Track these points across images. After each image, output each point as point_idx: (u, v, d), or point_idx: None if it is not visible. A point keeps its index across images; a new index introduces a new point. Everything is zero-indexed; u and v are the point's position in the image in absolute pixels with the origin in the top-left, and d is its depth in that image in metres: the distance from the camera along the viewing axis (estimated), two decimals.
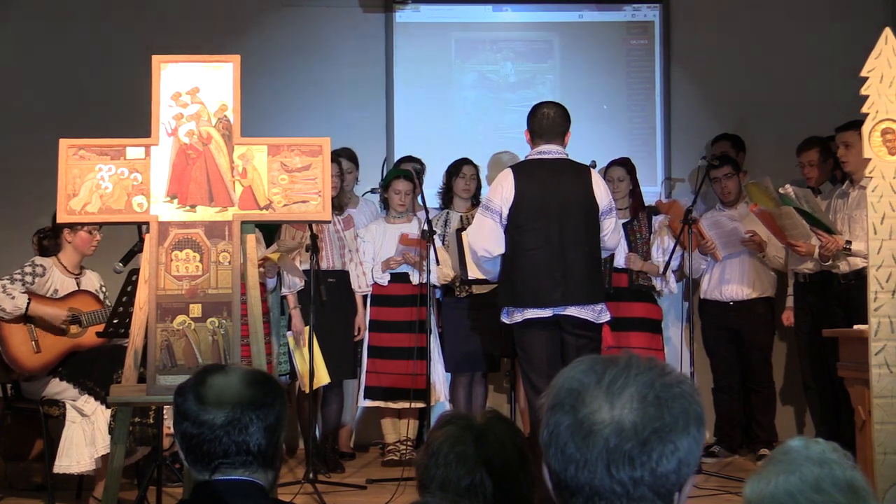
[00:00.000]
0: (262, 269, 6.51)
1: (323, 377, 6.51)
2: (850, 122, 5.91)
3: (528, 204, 5.51)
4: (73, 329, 5.72)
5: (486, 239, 5.59)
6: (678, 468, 1.60)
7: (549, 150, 5.64)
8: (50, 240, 5.85)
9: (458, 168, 7.18)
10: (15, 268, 5.71)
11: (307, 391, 6.42)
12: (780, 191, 6.06)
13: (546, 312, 5.48)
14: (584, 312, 5.53)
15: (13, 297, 5.54)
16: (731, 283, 7.07)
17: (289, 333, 6.74)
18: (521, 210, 5.51)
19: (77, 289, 5.84)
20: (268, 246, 6.62)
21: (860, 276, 5.70)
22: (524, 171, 5.62)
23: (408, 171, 7.07)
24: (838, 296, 6.32)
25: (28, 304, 5.56)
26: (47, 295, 5.72)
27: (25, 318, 5.61)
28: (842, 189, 6.43)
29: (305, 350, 6.43)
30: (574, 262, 5.51)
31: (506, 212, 5.53)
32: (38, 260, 5.77)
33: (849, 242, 5.98)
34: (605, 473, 1.57)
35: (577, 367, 1.66)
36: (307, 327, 6.44)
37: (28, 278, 5.65)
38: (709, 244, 6.87)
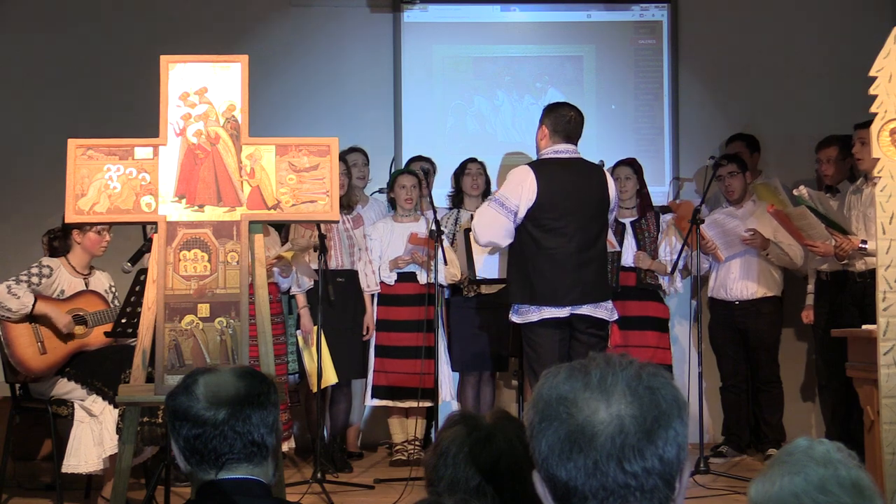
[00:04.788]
0: (275, 269, 6.52)
1: (330, 377, 6.52)
2: (869, 120, 5.89)
3: (550, 203, 5.51)
4: (79, 329, 5.73)
5: (496, 234, 5.58)
6: (678, 453, 1.63)
7: (566, 150, 5.65)
8: (60, 240, 5.86)
9: (463, 167, 7.21)
10: (21, 269, 5.72)
11: (314, 391, 6.43)
12: (795, 192, 6.04)
13: (563, 312, 5.48)
14: (598, 311, 5.54)
15: (18, 297, 5.54)
16: (737, 282, 7.06)
17: (298, 333, 6.76)
18: (543, 209, 5.50)
19: (84, 289, 5.85)
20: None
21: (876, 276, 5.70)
22: (544, 170, 5.60)
23: (411, 169, 7.09)
24: (854, 294, 6.31)
25: (34, 304, 5.57)
26: (54, 296, 5.72)
27: (31, 319, 5.62)
28: (856, 186, 6.41)
29: (314, 349, 6.44)
30: (591, 261, 5.53)
31: (523, 212, 5.51)
32: (45, 261, 5.78)
33: (864, 243, 5.96)
34: (619, 470, 1.59)
35: (554, 377, 1.68)
36: (315, 327, 6.45)
37: (34, 279, 5.65)
38: (709, 244, 6.85)
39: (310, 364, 6.57)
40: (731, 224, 6.97)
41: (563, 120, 5.66)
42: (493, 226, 5.59)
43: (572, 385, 1.64)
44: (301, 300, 6.76)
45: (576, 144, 5.69)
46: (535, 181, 5.52)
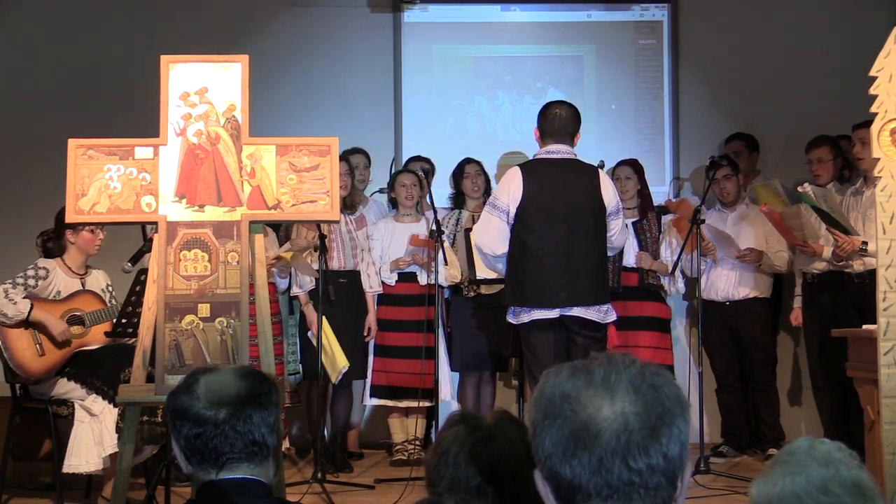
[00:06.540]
0: (274, 269, 6.52)
1: (341, 361, 6.48)
2: (867, 120, 5.89)
3: (536, 204, 5.51)
4: (77, 329, 5.72)
5: (493, 238, 5.60)
6: (681, 451, 1.63)
7: (558, 150, 5.64)
8: (54, 241, 5.86)
9: (461, 169, 7.20)
10: (20, 270, 5.71)
11: (333, 381, 6.44)
12: (799, 189, 6.03)
13: (553, 313, 5.49)
14: (590, 313, 5.53)
15: (15, 303, 5.54)
16: (726, 283, 7.03)
17: (310, 335, 6.70)
18: (530, 210, 5.51)
19: (80, 289, 5.84)
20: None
21: (874, 276, 5.70)
22: (532, 171, 5.61)
23: (411, 168, 7.09)
24: (852, 295, 6.29)
25: (30, 310, 5.57)
26: (50, 297, 5.71)
27: (27, 324, 5.62)
28: (855, 187, 6.40)
29: (324, 341, 6.42)
30: (581, 262, 5.51)
31: (513, 211, 5.53)
32: (41, 262, 5.77)
33: (865, 243, 5.96)
34: (624, 467, 1.59)
35: (557, 375, 1.67)
36: (317, 321, 6.42)
37: (31, 281, 5.65)
38: (708, 245, 6.84)
39: (322, 357, 6.52)
40: (726, 232, 6.98)
41: (548, 119, 5.67)
42: (489, 229, 5.62)
43: (575, 383, 1.64)
44: (304, 298, 6.75)
45: (571, 142, 5.67)
46: (521, 181, 5.54)
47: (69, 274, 5.83)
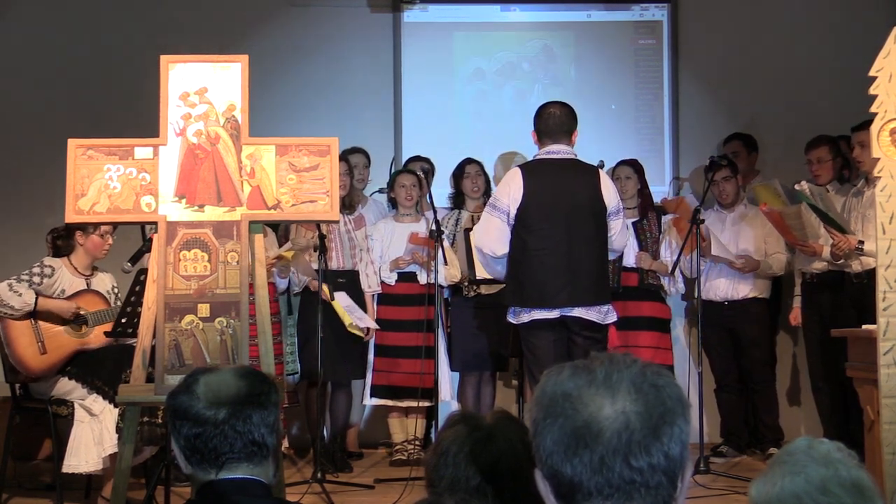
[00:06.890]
0: (274, 269, 6.52)
1: (346, 320, 6.50)
2: (865, 122, 5.90)
3: (536, 204, 5.51)
4: (80, 329, 5.72)
5: (494, 239, 5.60)
6: (682, 451, 1.64)
7: (558, 150, 5.63)
8: (63, 240, 5.85)
9: (461, 169, 7.20)
10: (24, 268, 5.71)
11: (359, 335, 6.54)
12: (796, 187, 6.04)
13: (553, 314, 5.49)
14: (590, 314, 5.53)
15: (20, 294, 5.54)
16: (725, 283, 7.04)
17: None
18: (530, 210, 5.51)
19: (85, 288, 5.84)
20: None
21: (873, 276, 5.70)
22: (533, 171, 5.61)
23: (410, 168, 7.09)
24: (852, 295, 6.30)
25: (36, 300, 5.56)
26: (54, 296, 5.71)
27: (34, 316, 5.61)
28: (857, 188, 6.41)
29: (337, 305, 6.46)
30: (582, 263, 5.51)
31: (513, 211, 5.53)
32: (47, 261, 5.77)
33: (861, 242, 5.96)
34: (625, 466, 1.59)
35: (559, 374, 1.68)
36: (326, 287, 6.43)
37: (35, 279, 5.64)
38: (708, 245, 6.84)
39: (344, 317, 6.56)
40: (723, 236, 6.98)
41: (543, 119, 5.67)
42: (489, 230, 5.61)
43: (576, 382, 1.64)
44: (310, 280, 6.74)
45: (569, 141, 5.67)
46: (521, 181, 5.53)
47: (75, 274, 5.83)
